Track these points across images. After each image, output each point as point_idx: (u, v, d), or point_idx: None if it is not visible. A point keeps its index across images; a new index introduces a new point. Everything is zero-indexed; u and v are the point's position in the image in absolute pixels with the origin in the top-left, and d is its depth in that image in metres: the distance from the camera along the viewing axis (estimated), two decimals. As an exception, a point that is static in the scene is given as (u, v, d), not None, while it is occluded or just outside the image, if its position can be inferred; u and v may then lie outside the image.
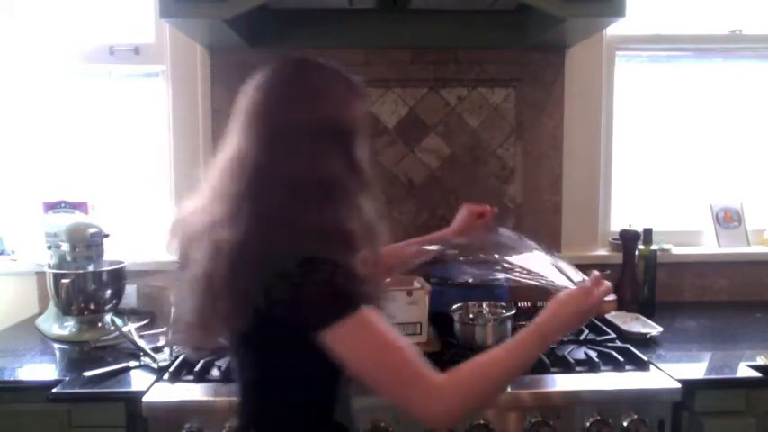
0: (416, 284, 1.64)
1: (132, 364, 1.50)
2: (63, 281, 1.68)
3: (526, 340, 0.98)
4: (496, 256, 1.29)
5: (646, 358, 1.49)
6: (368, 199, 0.96)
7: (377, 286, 0.94)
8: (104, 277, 1.76)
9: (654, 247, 1.94)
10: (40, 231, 1.84)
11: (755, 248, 2.16)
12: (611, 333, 1.67)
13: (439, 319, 1.66)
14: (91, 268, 1.76)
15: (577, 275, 1.18)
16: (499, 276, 1.38)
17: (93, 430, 1.37)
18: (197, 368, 1.43)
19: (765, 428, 1.44)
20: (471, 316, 1.65)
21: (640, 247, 1.94)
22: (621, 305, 1.90)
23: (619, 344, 1.59)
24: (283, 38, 1.96)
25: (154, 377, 1.43)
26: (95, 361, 1.53)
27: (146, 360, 1.51)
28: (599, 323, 1.75)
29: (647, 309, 1.89)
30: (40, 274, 1.97)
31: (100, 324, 1.76)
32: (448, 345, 1.59)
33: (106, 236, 1.82)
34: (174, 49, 1.98)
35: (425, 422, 0.95)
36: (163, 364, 1.48)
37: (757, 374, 1.42)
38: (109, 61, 2.02)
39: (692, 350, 1.62)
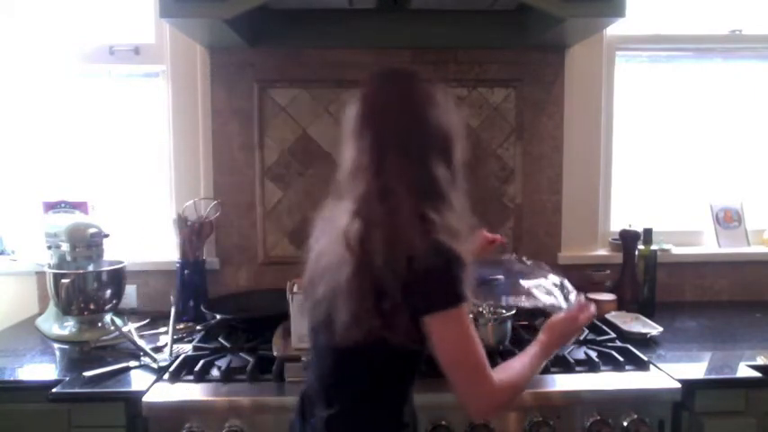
0: None
1: (132, 364, 1.50)
2: (63, 281, 1.68)
3: (539, 355, 1.15)
4: (501, 277, 1.43)
5: (646, 358, 1.49)
6: (461, 201, 1.06)
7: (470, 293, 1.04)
8: (104, 277, 1.76)
9: (654, 247, 1.94)
10: (40, 231, 1.84)
11: (755, 248, 2.16)
12: (611, 333, 1.67)
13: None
14: (91, 268, 1.76)
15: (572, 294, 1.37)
16: (499, 276, 1.43)
17: (93, 430, 1.37)
18: (197, 368, 1.44)
19: (765, 428, 1.44)
20: (471, 316, 1.65)
21: (640, 247, 1.94)
22: (621, 305, 1.90)
23: (619, 344, 1.59)
24: (283, 38, 1.96)
25: (154, 377, 1.43)
26: (95, 361, 1.53)
27: (146, 360, 1.52)
28: (599, 323, 1.75)
29: (647, 309, 1.89)
30: (40, 274, 1.97)
31: (100, 324, 1.76)
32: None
33: (106, 236, 1.82)
34: (174, 49, 1.99)
35: (475, 415, 1.11)
36: (163, 364, 1.49)
37: (757, 374, 1.42)
38: (109, 61, 2.02)
39: (691, 350, 1.62)
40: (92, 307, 1.74)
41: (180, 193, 2.02)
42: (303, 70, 1.99)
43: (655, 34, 2.11)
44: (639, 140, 2.17)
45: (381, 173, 1.02)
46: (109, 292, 1.76)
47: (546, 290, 1.42)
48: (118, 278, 1.79)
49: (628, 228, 1.97)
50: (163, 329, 1.78)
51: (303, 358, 1.39)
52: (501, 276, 1.48)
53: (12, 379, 1.46)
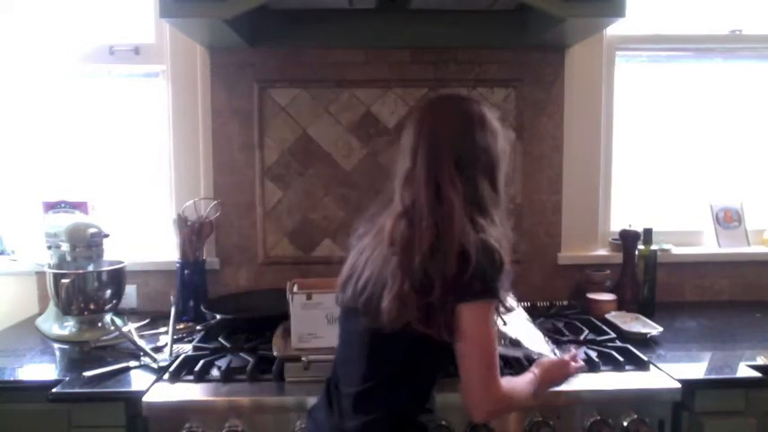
0: None
1: (132, 364, 1.50)
2: (63, 281, 1.68)
3: (532, 383, 1.24)
4: None
5: (646, 358, 1.49)
6: (502, 219, 1.17)
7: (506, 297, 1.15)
8: (104, 277, 1.76)
9: (654, 247, 1.94)
10: (40, 231, 1.84)
11: (755, 248, 2.16)
12: (611, 333, 1.67)
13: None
14: (91, 268, 1.76)
15: (545, 346, 1.46)
16: None
17: (93, 430, 1.37)
18: (197, 368, 1.44)
19: (765, 428, 1.44)
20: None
21: (640, 247, 1.94)
22: (621, 305, 1.90)
23: (619, 344, 1.59)
24: (283, 38, 1.96)
25: (154, 377, 1.43)
26: (95, 361, 1.53)
27: (146, 360, 1.52)
28: (599, 323, 1.75)
29: (647, 309, 1.89)
30: (40, 274, 1.97)
31: (100, 324, 1.76)
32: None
33: (106, 236, 1.82)
34: (174, 49, 1.99)
35: (474, 413, 1.13)
36: (163, 364, 1.49)
37: (757, 374, 1.42)
38: (109, 61, 2.02)
39: (691, 350, 1.62)
40: (92, 307, 1.74)
41: (180, 193, 2.02)
42: (303, 70, 1.99)
43: (655, 34, 2.11)
44: (639, 140, 2.17)
45: (435, 181, 1.12)
46: (109, 292, 1.76)
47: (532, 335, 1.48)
48: (118, 278, 1.79)
49: (628, 228, 1.97)
50: (163, 329, 1.78)
51: (303, 358, 1.39)
52: None
53: (12, 379, 1.46)
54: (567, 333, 1.69)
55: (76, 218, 1.88)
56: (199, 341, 1.65)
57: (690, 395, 1.39)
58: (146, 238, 2.09)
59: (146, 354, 1.53)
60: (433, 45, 1.99)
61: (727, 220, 2.18)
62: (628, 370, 1.46)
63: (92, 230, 1.78)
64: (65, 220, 1.80)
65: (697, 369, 1.49)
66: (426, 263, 1.07)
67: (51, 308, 1.80)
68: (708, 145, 2.20)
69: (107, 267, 1.77)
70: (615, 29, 1.87)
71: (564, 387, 1.38)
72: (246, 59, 1.98)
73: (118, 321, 1.78)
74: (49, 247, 1.79)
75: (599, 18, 1.63)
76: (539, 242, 2.07)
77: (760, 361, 1.49)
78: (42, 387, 1.37)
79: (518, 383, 1.21)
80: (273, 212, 2.03)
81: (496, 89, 2.02)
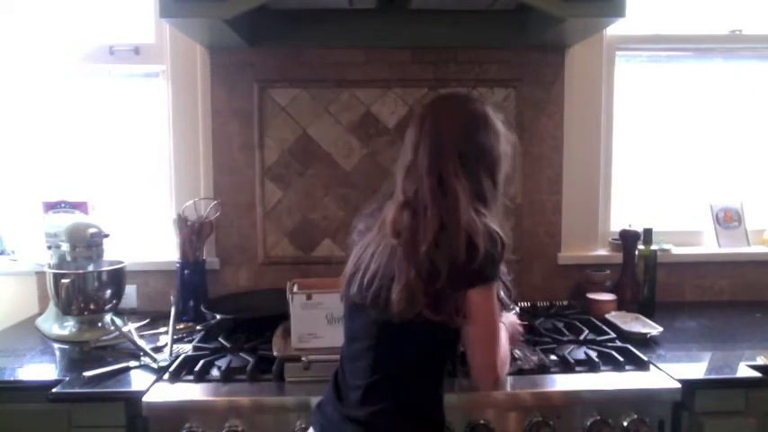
0: None
1: (132, 364, 1.50)
2: (63, 281, 1.68)
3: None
4: None
5: (646, 358, 1.49)
6: (500, 215, 1.19)
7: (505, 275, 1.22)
8: (104, 277, 1.76)
9: (654, 247, 1.94)
10: (40, 231, 1.84)
11: (755, 248, 2.16)
12: (611, 333, 1.67)
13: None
14: (91, 268, 1.76)
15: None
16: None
17: (93, 430, 1.37)
18: (197, 368, 1.44)
19: (765, 428, 1.44)
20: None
21: (640, 247, 1.94)
22: (621, 305, 1.90)
23: (619, 344, 1.59)
24: (283, 38, 1.96)
25: (154, 377, 1.43)
26: (95, 361, 1.53)
27: (146, 360, 1.52)
28: (599, 323, 1.75)
29: (647, 309, 1.89)
30: (40, 274, 1.97)
31: (100, 324, 1.76)
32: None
33: (106, 236, 1.82)
34: (174, 49, 1.99)
35: (483, 386, 1.22)
36: (163, 364, 1.49)
37: (757, 374, 1.42)
38: (109, 61, 2.02)
39: (691, 350, 1.62)
40: (92, 307, 1.74)
41: (180, 193, 2.02)
42: (303, 70, 1.99)
43: (655, 34, 2.11)
44: (639, 140, 2.17)
45: (438, 173, 1.14)
46: (109, 292, 1.76)
47: None
48: (118, 278, 1.79)
49: (628, 228, 1.97)
50: (163, 329, 1.78)
51: (303, 358, 1.39)
52: None
53: (12, 379, 1.46)
54: (567, 333, 1.68)
55: (76, 218, 1.88)
56: (199, 341, 1.65)
57: (690, 395, 1.39)
58: (146, 238, 2.09)
59: (146, 354, 1.53)
60: (433, 45, 1.99)
61: (727, 220, 2.18)
62: (628, 370, 1.46)
63: (92, 230, 1.78)
64: (65, 220, 1.80)
65: (697, 369, 1.49)
66: (432, 252, 1.09)
67: (51, 308, 1.80)
68: (708, 145, 2.19)
69: (107, 267, 1.77)
70: (615, 29, 1.87)
71: (564, 387, 1.39)
72: (246, 59, 1.98)
73: (118, 321, 1.78)
74: (49, 247, 1.79)
75: (599, 18, 1.63)
76: (539, 242, 2.07)
77: (760, 361, 1.49)
78: (42, 387, 1.37)
79: (504, 347, 1.23)
80: (273, 212, 2.03)
81: (496, 89, 2.02)
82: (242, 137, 2.01)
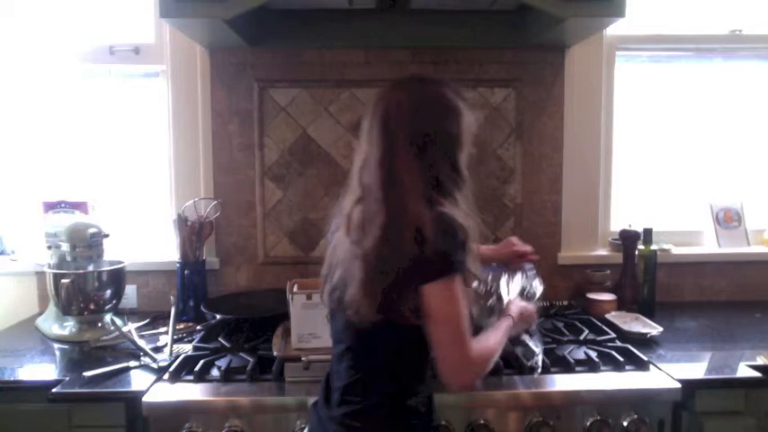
0: None
1: (132, 364, 1.50)
2: (63, 281, 1.68)
3: (508, 331, 1.23)
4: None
5: (646, 358, 1.49)
6: (467, 201, 1.13)
7: (476, 266, 1.10)
8: (104, 277, 1.76)
9: (654, 247, 1.94)
10: (40, 231, 1.84)
11: (755, 248, 2.16)
12: (611, 333, 1.67)
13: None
14: (91, 268, 1.76)
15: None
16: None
17: (93, 430, 1.37)
18: (197, 368, 1.44)
19: (765, 428, 1.44)
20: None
21: (640, 247, 1.94)
22: (621, 305, 1.90)
23: (619, 344, 1.59)
24: (283, 38, 1.96)
25: (154, 377, 1.43)
26: (95, 361, 1.53)
27: (146, 360, 1.52)
28: (599, 323, 1.75)
29: (647, 309, 1.89)
30: (40, 274, 1.97)
31: (100, 324, 1.76)
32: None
33: (106, 236, 1.82)
34: (174, 49, 1.99)
35: (451, 388, 1.09)
36: (163, 364, 1.49)
37: (757, 374, 1.42)
38: (109, 61, 2.02)
39: (691, 350, 1.62)
40: (92, 307, 1.74)
41: (180, 193, 2.02)
42: (303, 70, 1.99)
43: (655, 34, 2.11)
44: (639, 140, 2.17)
45: (389, 164, 1.08)
46: (109, 292, 1.76)
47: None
48: (118, 278, 1.79)
49: (628, 228, 1.97)
50: (163, 329, 1.78)
51: (303, 358, 1.39)
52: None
53: (12, 379, 1.46)
54: (567, 333, 1.69)
55: (76, 218, 1.88)
56: (199, 341, 1.65)
57: (690, 395, 1.39)
58: (146, 238, 2.09)
59: (146, 354, 1.53)
60: (433, 45, 1.99)
61: (727, 220, 2.18)
62: (628, 370, 1.46)
63: (92, 230, 1.79)
64: (65, 220, 1.80)
65: (697, 369, 1.49)
66: (381, 247, 1.04)
67: (51, 308, 1.80)
68: (708, 145, 2.19)
69: (107, 267, 1.77)
70: (615, 29, 1.87)
71: (564, 387, 1.39)
72: (246, 59, 1.98)
73: (118, 321, 1.78)
74: (49, 247, 1.79)
75: (599, 18, 1.63)
76: (539, 242, 2.06)
77: (760, 361, 1.50)
78: (42, 387, 1.37)
79: (491, 339, 1.17)
80: (273, 212, 2.03)
81: (496, 89, 2.02)
82: (242, 137, 2.01)
